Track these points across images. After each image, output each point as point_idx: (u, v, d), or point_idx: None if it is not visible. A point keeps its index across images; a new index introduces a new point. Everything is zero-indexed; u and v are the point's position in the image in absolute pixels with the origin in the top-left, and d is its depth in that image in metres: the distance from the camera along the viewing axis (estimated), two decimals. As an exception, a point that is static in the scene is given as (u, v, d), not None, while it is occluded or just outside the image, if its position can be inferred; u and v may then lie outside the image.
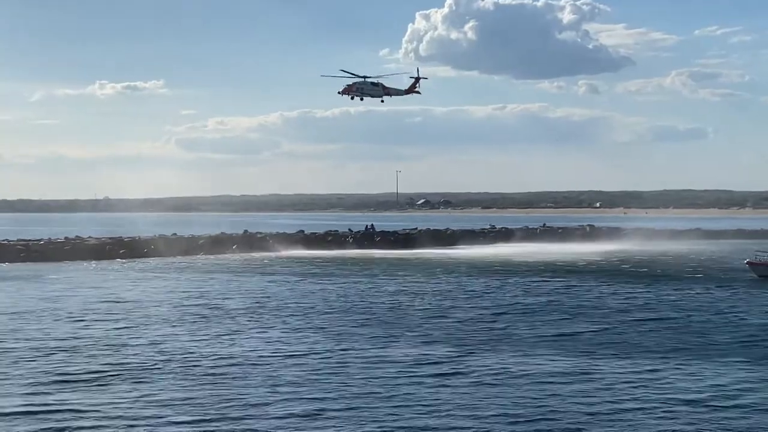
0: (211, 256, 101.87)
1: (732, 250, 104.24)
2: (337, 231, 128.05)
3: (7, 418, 26.54)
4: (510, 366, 33.89)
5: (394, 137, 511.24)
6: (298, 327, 44.65)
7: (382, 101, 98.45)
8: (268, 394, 29.29)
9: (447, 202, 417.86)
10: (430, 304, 54.72)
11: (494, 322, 46.41)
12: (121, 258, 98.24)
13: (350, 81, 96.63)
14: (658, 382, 31.20)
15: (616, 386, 30.42)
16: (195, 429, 25.42)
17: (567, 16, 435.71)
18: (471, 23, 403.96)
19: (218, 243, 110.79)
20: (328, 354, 36.70)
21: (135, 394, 29.38)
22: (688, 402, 28.30)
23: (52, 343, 39.43)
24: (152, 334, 42.17)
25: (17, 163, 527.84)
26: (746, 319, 47.42)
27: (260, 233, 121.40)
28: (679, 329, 43.71)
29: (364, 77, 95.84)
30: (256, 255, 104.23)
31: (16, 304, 54.58)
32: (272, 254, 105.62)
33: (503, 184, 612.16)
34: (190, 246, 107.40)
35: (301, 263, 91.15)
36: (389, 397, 28.86)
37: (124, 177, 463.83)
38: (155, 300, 57.06)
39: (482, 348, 38.15)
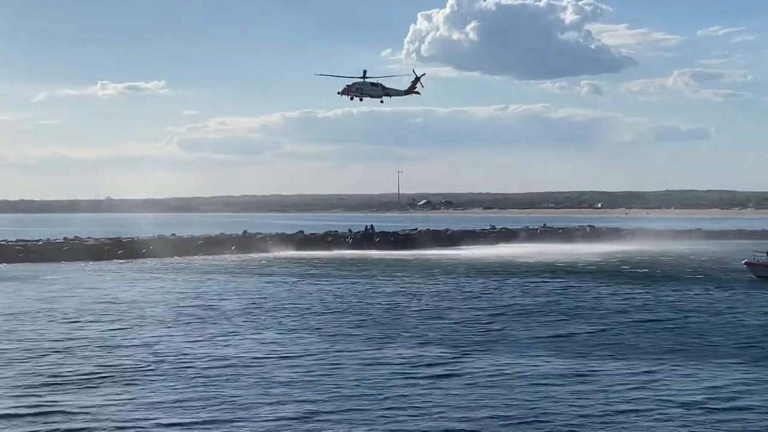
0: (209, 257, 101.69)
1: (733, 251, 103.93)
2: (336, 232, 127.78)
3: (-4, 420, 26.36)
4: (504, 368, 33.69)
5: (396, 138, 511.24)
6: (293, 328, 44.46)
7: (382, 101, 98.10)
8: (260, 396, 29.09)
9: (448, 202, 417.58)
10: (427, 305, 54.51)
11: (491, 323, 46.20)
12: (119, 259, 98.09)
13: (350, 81, 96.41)
14: (653, 383, 30.98)
15: (611, 388, 30.20)
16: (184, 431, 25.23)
17: (569, 17, 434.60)
18: (473, 23, 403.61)
19: (217, 243, 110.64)
20: (322, 355, 36.49)
21: (125, 396, 29.18)
22: (682, 404, 28.08)
23: (46, 345, 39.27)
24: (146, 336, 41.98)
25: (19, 164, 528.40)
26: (743, 320, 47.20)
27: (259, 234, 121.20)
28: (675, 330, 43.49)
29: (363, 78, 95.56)
30: (254, 256, 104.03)
31: (12, 305, 54.43)
32: (270, 255, 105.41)
33: (505, 184, 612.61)
34: (188, 246, 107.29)
35: (299, 264, 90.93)
36: (381, 399, 28.66)
37: (126, 177, 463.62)
38: (151, 301, 56.87)
39: (477, 349, 37.94)
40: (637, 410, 27.30)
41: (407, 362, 34.90)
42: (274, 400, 28.52)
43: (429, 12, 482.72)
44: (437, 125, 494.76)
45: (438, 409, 27.37)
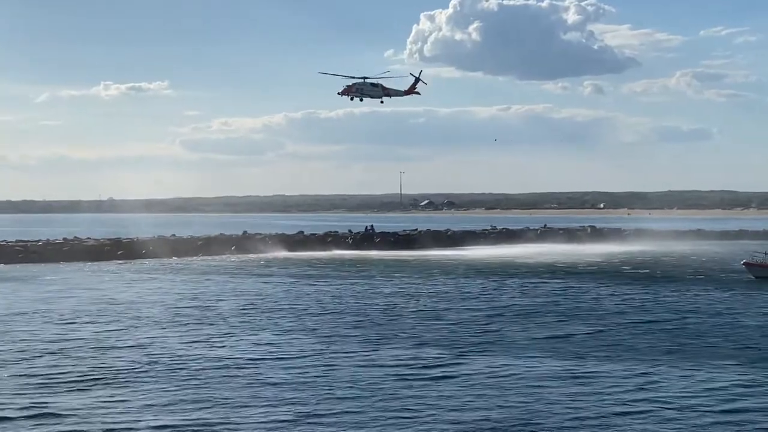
0: (209, 257, 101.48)
1: (734, 251, 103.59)
2: (336, 232, 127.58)
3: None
4: (501, 369, 33.47)
5: (398, 138, 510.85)
6: (289, 329, 44.25)
7: (382, 102, 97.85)
8: (253, 398, 28.89)
9: (450, 203, 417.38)
10: (425, 306, 54.29)
11: (489, 324, 45.97)
12: (118, 259, 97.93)
13: (350, 82, 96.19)
14: (650, 385, 30.76)
15: (606, 389, 29.98)
16: (175, 434, 25.06)
17: (571, 17, 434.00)
18: (475, 24, 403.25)
19: (216, 244, 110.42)
20: (318, 357, 36.28)
21: (117, 397, 28.98)
22: (679, 406, 27.85)
23: (40, 346, 39.07)
24: (141, 337, 41.77)
25: (21, 164, 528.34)
26: (741, 321, 46.97)
27: (259, 234, 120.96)
28: (673, 331, 43.25)
29: (363, 78, 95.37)
30: (254, 256, 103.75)
31: (10, 306, 54.27)
32: (269, 256, 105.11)
33: (507, 184, 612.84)
34: (187, 247, 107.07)
35: (298, 265, 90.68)
36: (375, 401, 28.45)
37: (128, 178, 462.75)
38: (148, 302, 56.67)
39: (474, 350, 37.72)
40: (633, 412, 27.08)
41: (403, 364, 34.68)
42: (268, 402, 28.32)
43: (432, 12, 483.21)
44: (439, 125, 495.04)
45: (432, 411, 27.16)
